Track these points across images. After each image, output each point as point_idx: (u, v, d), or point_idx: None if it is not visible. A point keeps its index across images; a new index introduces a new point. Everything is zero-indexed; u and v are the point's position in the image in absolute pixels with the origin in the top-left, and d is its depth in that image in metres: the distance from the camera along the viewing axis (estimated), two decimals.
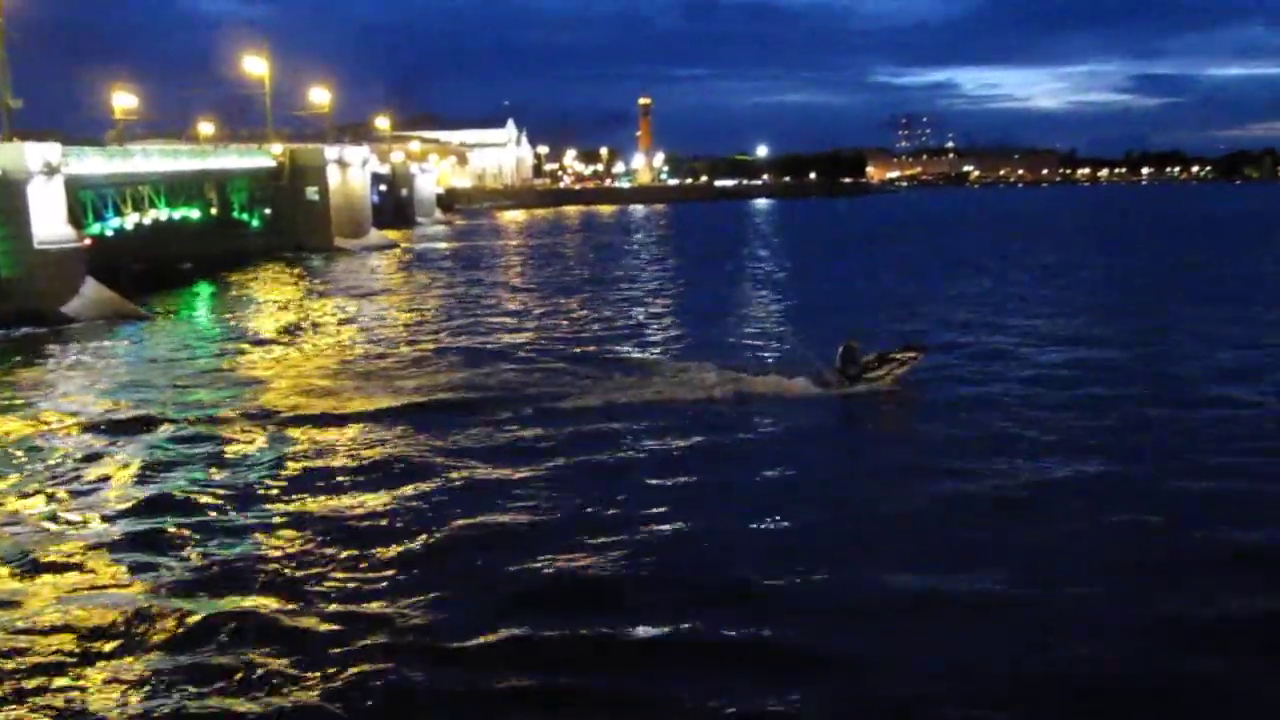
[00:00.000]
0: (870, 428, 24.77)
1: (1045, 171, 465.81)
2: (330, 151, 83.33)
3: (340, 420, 23.37)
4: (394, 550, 15.28)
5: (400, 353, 32.85)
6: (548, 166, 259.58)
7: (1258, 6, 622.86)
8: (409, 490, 18.20)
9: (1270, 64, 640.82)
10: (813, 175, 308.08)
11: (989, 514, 16.75)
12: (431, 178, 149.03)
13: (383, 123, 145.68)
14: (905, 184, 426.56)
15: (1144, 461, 19.29)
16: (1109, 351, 30.83)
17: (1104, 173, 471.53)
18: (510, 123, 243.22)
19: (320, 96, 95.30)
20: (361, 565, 14.70)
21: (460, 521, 16.51)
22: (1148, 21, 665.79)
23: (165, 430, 22.67)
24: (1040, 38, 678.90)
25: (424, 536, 15.82)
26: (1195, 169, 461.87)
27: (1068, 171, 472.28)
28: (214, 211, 71.80)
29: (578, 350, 32.54)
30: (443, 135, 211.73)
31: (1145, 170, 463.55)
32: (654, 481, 18.82)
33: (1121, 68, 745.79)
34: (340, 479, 18.94)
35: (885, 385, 25.90)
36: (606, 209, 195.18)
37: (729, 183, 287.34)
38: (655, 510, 17.02)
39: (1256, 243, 78.19)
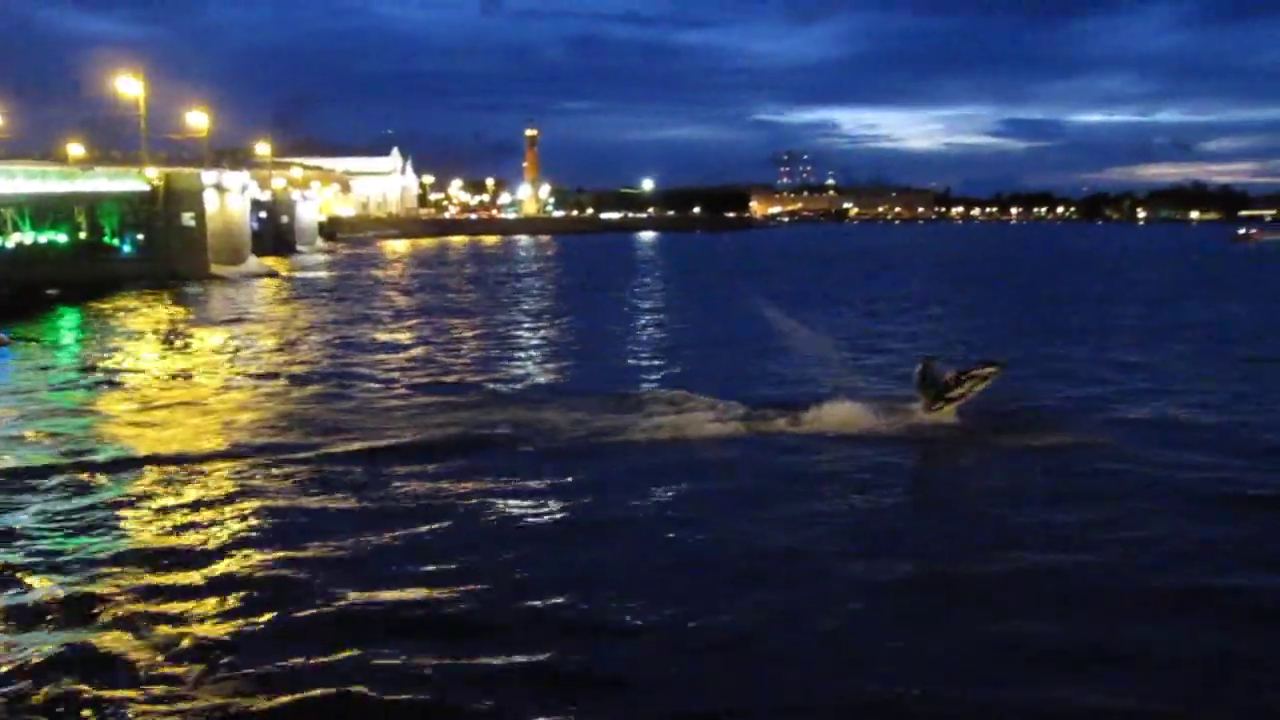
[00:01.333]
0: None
1: (921, 209, 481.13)
2: (208, 176, 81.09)
3: (205, 456, 21.87)
4: (240, 583, 14.61)
5: (277, 384, 31.62)
6: (433, 196, 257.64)
7: (1117, 60, 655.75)
8: (265, 526, 17.24)
9: (1128, 112, 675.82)
10: (698, 209, 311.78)
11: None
12: (314, 205, 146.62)
13: (264, 148, 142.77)
14: (787, 219, 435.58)
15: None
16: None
17: (976, 211, 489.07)
18: (395, 151, 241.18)
19: (198, 120, 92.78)
20: (210, 600, 14.08)
21: (316, 556, 15.73)
22: (1017, 69, 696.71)
23: (9, 462, 21.31)
24: (916, 81, 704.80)
25: (268, 569, 15.19)
26: (1060, 209, 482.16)
27: (942, 210, 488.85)
28: (83, 236, 69.24)
29: (470, 379, 32.06)
30: (326, 162, 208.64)
31: (1015, 210, 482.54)
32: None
33: (993, 112, 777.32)
34: (197, 516, 17.98)
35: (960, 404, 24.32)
36: (492, 239, 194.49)
37: (615, 215, 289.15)
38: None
39: (1110, 279, 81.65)
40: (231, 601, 13.89)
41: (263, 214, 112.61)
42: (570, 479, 20.05)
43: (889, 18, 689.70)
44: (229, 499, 18.73)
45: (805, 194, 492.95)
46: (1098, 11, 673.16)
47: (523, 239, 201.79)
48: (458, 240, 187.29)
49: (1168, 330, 44.69)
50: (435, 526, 17.07)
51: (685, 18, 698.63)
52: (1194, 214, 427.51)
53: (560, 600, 13.90)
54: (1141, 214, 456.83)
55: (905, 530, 17.44)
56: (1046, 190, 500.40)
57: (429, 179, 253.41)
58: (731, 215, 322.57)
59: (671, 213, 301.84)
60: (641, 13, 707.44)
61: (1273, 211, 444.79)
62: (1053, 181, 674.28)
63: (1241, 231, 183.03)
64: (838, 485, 19.62)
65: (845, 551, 15.95)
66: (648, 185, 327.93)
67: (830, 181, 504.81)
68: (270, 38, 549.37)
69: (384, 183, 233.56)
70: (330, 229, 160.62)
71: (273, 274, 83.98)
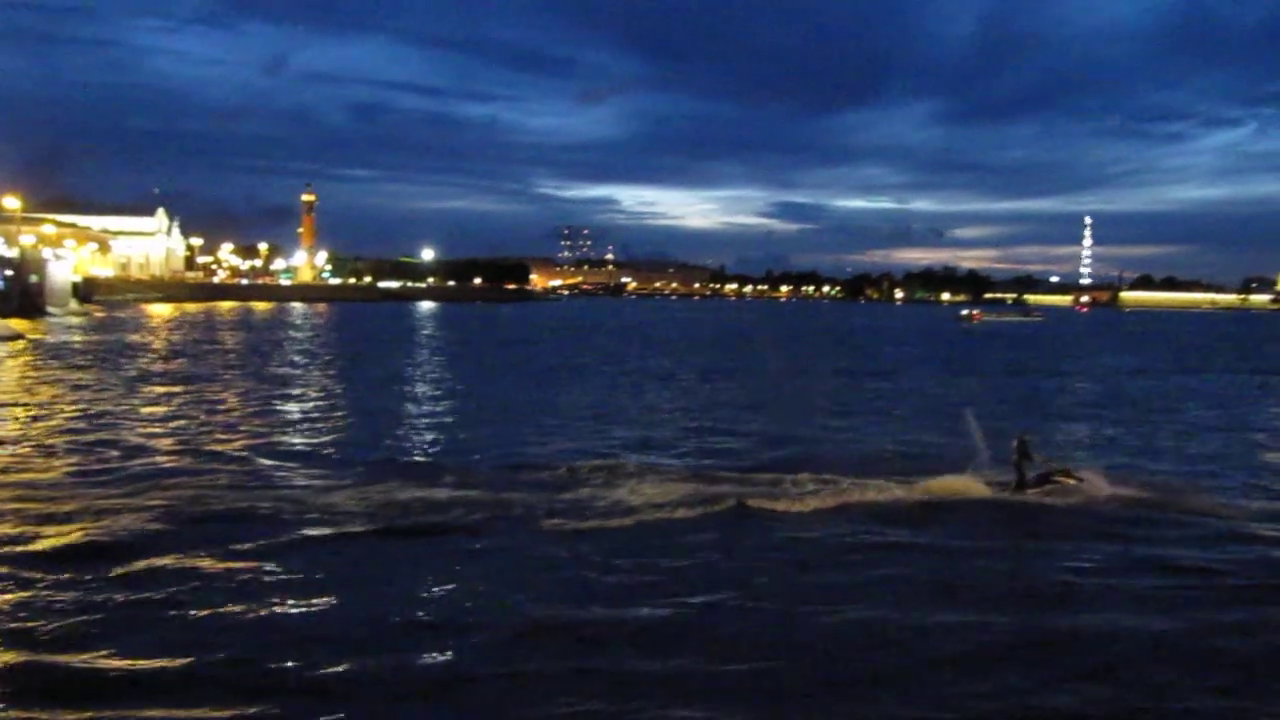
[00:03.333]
0: None
1: (697, 285, 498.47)
2: None
3: None
4: None
5: (21, 453, 29.60)
6: (201, 259, 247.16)
7: (878, 151, 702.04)
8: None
9: (888, 199, 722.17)
10: (478, 280, 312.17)
11: None
12: (67, 264, 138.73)
13: (12, 203, 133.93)
14: (567, 292, 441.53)
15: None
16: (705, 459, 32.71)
17: (749, 289, 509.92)
18: (161, 211, 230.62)
19: None
20: None
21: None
22: (785, 157, 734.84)
23: None
24: (694, 162, 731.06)
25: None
26: (826, 288, 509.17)
27: (717, 286, 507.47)
28: None
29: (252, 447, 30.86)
30: (84, 220, 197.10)
31: (785, 288, 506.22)
32: None
33: (765, 194, 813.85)
34: None
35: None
36: (264, 306, 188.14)
37: (394, 284, 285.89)
38: None
39: (854, 353, 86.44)
40: None
41: (9, 272, 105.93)
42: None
43: (669, 101, 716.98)
44: None
45: (585, 268, 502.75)
46: (861, 106, 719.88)
47: (297, 306, 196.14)
48: (226, 306, 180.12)
49: (898, 395, 48.04)
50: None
51: (469, 91, 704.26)
52: (945, 295, 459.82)
53: None
54: (899, 294, 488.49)
55: None
56: (813, 269, 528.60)
57: (198, 241, 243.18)
58: (512, 287, 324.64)
59: (452, 283, 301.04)
60: (426, 83, 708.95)
61: (1013, 295, 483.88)
62: (819, 261, 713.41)
63: (965, 313, 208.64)
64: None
65: None
66: (428, 255, 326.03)
67: (610, 256, 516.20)
68: (31, 88, 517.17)
69: (147, 243, 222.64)
70: (86, 290, 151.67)
71: (18, 336, 78.68)
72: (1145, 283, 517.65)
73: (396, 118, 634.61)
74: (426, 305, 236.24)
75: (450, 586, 16.69)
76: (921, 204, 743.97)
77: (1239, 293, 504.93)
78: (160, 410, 39.75)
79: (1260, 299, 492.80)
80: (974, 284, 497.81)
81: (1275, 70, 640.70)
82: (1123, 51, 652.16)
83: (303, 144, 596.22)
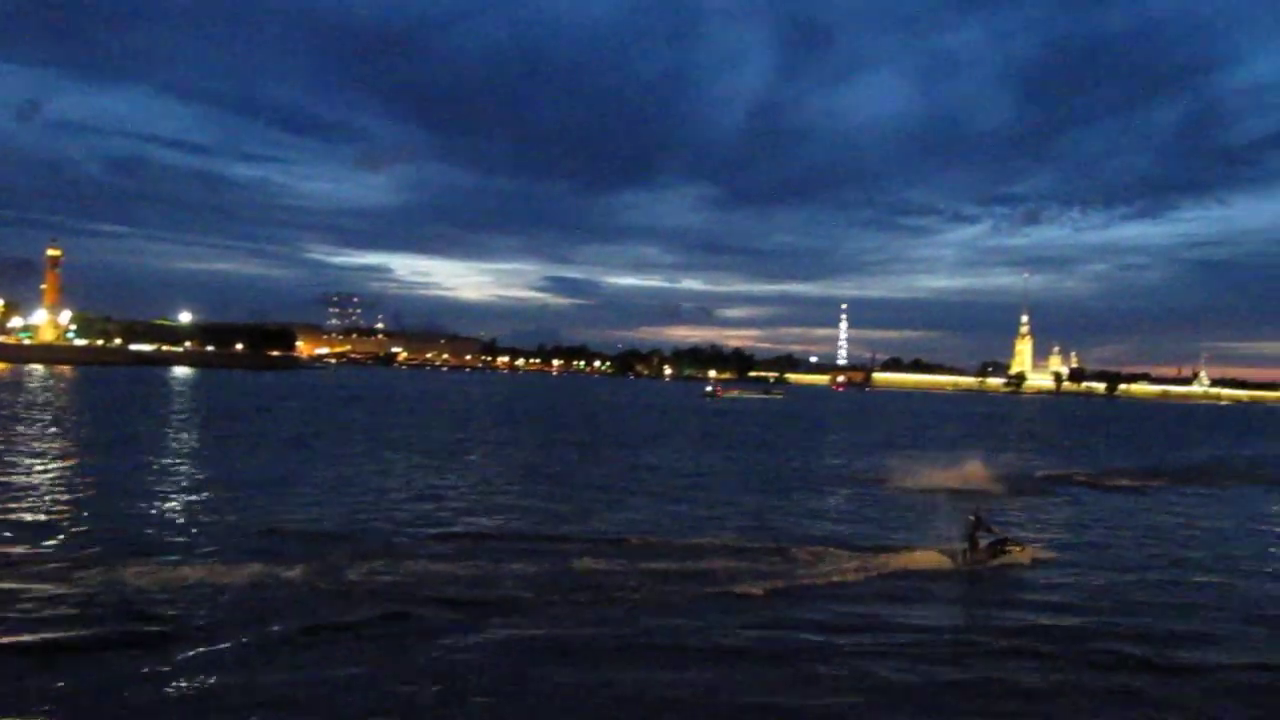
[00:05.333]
0: None
1: (469, 357, 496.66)
2: None
3: None
4: None
5: None
6: None
7: (650, 231, 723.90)
8: None
9: (658, 278, 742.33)
10: (240, 346, 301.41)
11: None
12: None
13: None
14: (335, 360, 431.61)
15: None
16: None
17: (521, 361, 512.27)
18: None
19: None
20: None
21: None
22: (561, 232, 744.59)
23: None
24: (469, 234, 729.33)
25: None
26: (598, 363, 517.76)
27: (489, 359, 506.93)
28: None
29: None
30: None
31: (556, 362, 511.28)
32: None
33: (539, 269, 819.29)
34: None
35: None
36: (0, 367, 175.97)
37: (147, 347, 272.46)
38: None
39: (603, 428, 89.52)
40: None
41: None
42: None
43: (447, 172, 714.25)
44: None
45: (354, 336, 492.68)
46: (635, 187, 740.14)
47: (37, 369, 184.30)
48: None
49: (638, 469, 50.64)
50: None
51: (238, 151, 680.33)
52: (712, 372, 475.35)
53: None
54: (668, 370, 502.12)
55: None
56: (585, 344, 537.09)
57: None
58: (276, 354, 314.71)
59: (211, 348, 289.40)
60: (193, 140, 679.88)
61: (775, 374, 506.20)
62: (591, 337, 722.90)
63: (709, 389, 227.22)
64: None
65: None
66: (185, 318, 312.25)
67: (380, 325, 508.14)
68: None
69: None
70: None
71: None
72: (895, 364, 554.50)
73: (158, 173, 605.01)
74: (183, 370, 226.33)
75: None
76: (692, 283, 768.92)
77: (977, 375, 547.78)
78: None
79: (995, 382, 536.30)
80: (740, 362, 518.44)
81: (1007, 175, 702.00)
82: (878, 150, 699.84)
83: (54, 196, 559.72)
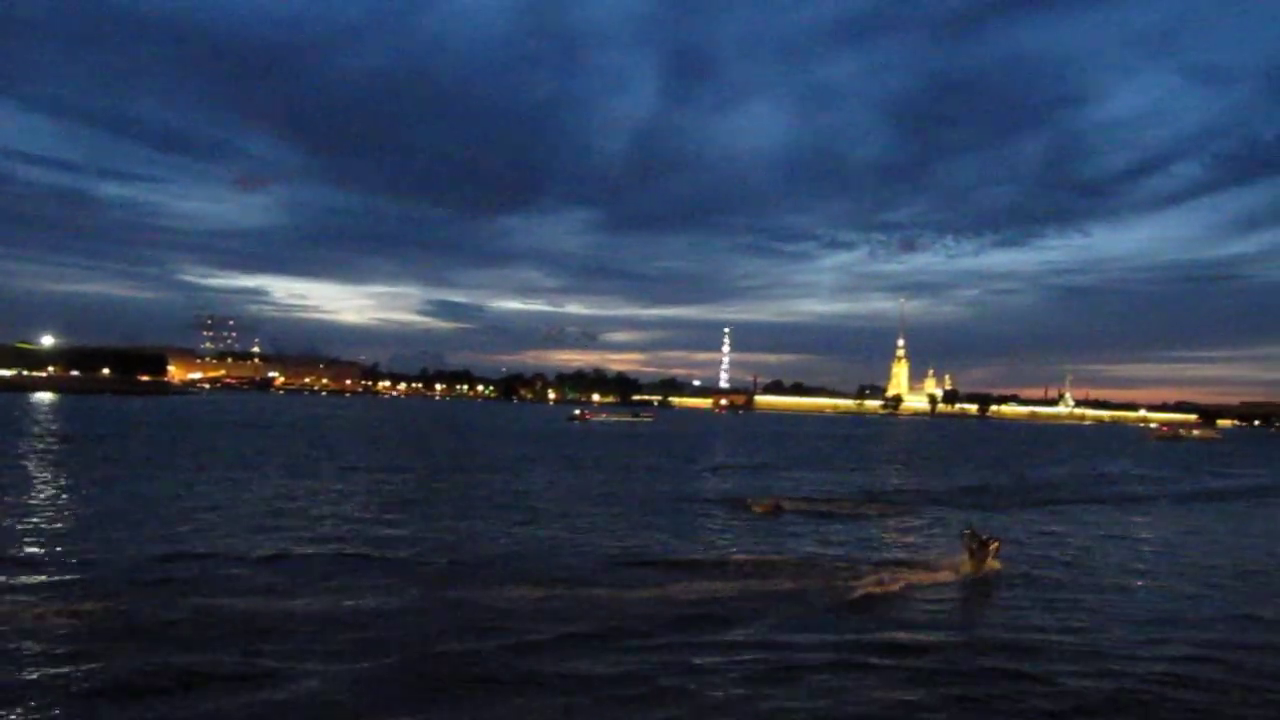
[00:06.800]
0: None
1: (349, 382, 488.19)
2: None
3: None
4: None
5: None
6: None
7: (534, 255, 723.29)
8: None
9: (542, 302, 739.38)
10: (107, 371, 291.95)
11: None
12: None
13: None
14: (208, 385, 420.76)
15: None
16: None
17: (403, 386, 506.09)
18: None
19: None
20: None
21: None
22: (444, 256, 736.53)
23: None
24: (349, 256, 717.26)
25: None
26: (481, 388, 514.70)
27: (370, 383, 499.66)
28: None
29: None
30: None
31: (439, 386, 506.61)
32: None
33: (421, 292, 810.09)
34: None
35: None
36: None
37: (7, 373, 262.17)
38: None
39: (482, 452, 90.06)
40: None
41: None
42: None
43: (327, 194, 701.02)
44: None
45: (229, 360, 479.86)
46: (518, 211, 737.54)
47: None
48: None
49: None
50: None
51: (107, 168, 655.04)
52: (595, 396, 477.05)
53: None
54: (552, 395, 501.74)
55: None
56: (468, 369, 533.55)
57: None
58: (146, 379, 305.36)
59: (76, 372, 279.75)
60: (57, 156, 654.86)
61: (659, 397, 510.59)
62: (474, 361, 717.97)
63: (576, 413, 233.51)
64: None
65: None
66: (48, 341, 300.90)
67: (256, 349, 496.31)
68: None
69: None
70: None
71: None
72: (777, 387, 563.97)
73: (19, 190, 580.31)
74: (45, 396, 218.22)
75: None
76: (575, 307, 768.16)
77: (855, 398, 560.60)
78: None
79: (872, 404, 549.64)
80: (623, 386, 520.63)
81: (884, 203, 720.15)
82: (760, 177, 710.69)
83: None
